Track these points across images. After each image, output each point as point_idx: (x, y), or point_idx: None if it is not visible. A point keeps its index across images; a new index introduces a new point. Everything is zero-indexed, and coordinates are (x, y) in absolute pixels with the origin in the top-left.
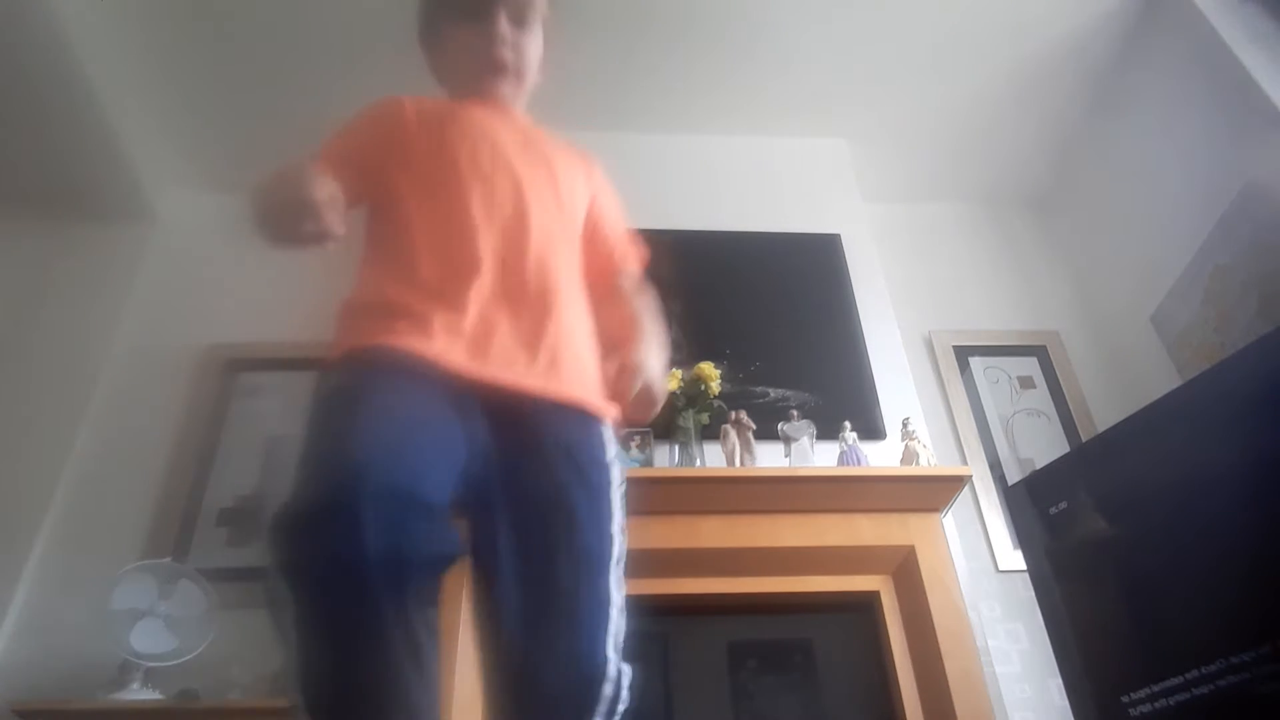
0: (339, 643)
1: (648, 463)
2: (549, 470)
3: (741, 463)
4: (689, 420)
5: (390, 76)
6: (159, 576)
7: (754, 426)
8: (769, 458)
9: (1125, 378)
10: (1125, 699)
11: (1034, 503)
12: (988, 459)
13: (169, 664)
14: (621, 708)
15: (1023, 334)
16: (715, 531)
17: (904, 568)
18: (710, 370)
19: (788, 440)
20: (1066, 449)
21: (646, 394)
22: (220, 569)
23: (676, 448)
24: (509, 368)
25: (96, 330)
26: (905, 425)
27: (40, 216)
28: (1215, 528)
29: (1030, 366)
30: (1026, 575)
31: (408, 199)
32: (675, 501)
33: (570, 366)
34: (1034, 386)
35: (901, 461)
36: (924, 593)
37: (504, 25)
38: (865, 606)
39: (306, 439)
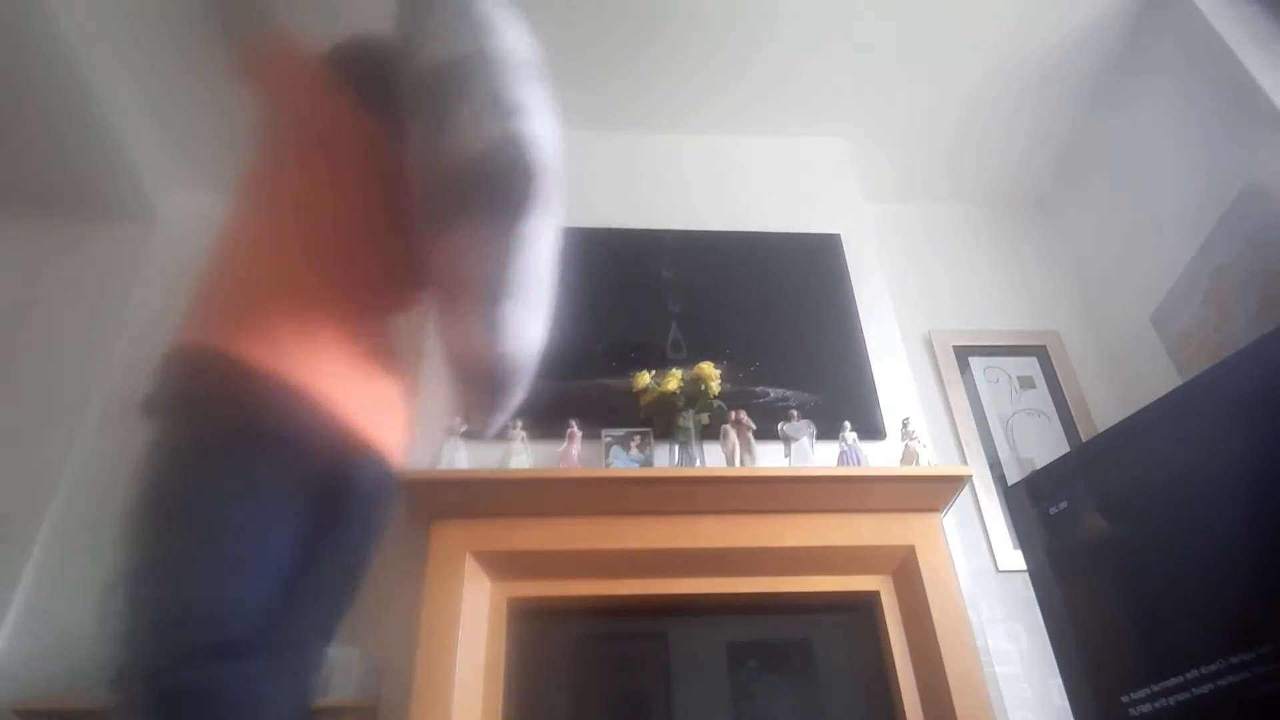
0: None
1: (648, 463)
2: None
3: (741, 463)
4: (689, 420)
5: None
6: None
7: (754, 426)
8: (769, 458)
9: (1125, 378)
10: (1125, 699)
11: (1034, 503)
12: (988, 459)
13: None
14: None
15: (1023, 334)
16: (715, 531)
17: (904, 568)
18: (710, 370)
19: (788, 440)
20: (1066, 449)
21: None
22: None
23: (676, 448)
24: None
25: (97, 330)
26: (905, 425)
27: (41, 216)
28: (1215, 527)
29: (1030, 366)
30: (1026, 575)
31: None
32: (675, 501)
33: None
34: (1034, 386)
35: (901, 461)
36: (924, 593)
37: None
38: (865, 606)
39: None
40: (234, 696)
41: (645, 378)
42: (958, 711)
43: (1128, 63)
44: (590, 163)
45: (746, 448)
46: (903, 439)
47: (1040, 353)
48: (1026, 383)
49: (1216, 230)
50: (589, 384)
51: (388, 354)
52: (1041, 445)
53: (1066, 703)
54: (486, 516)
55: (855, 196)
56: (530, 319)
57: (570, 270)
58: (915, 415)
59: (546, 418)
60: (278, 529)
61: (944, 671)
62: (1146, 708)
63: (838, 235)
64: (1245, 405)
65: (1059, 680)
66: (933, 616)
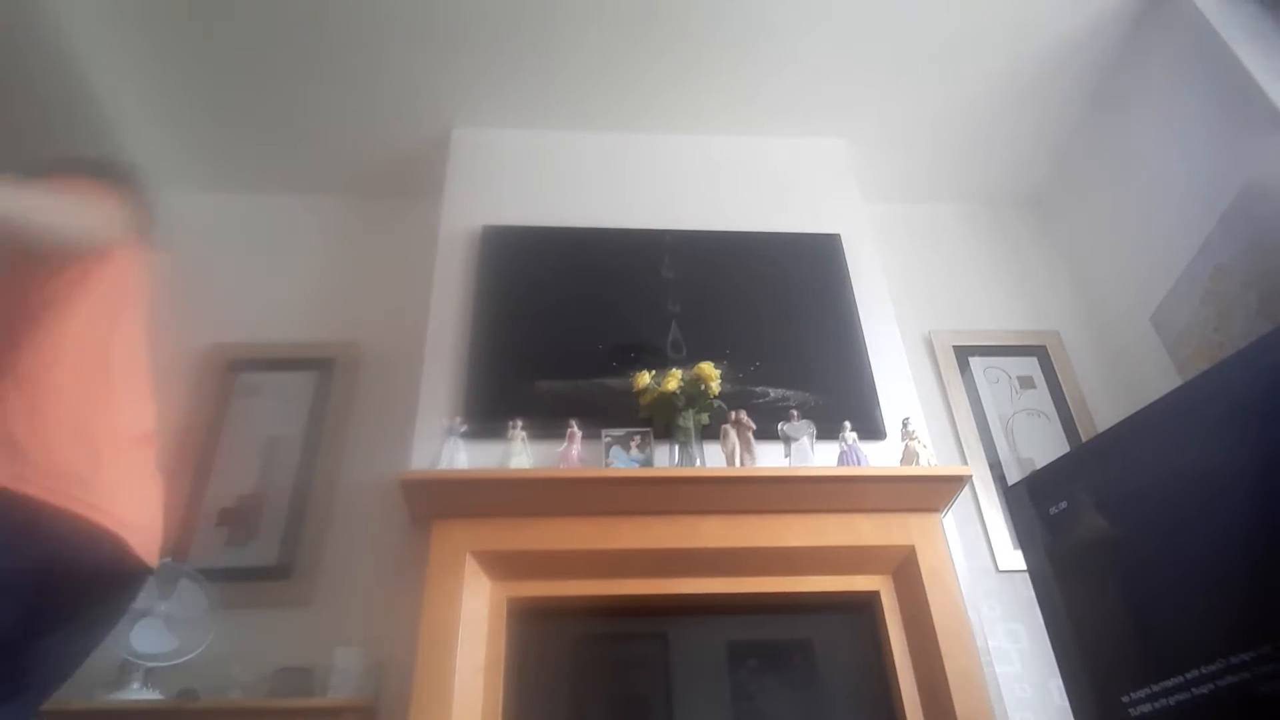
0: None
1: (648, 463)
2: None
3: (741, 463)
4: (689, 420)
5: (388, 78)
6: (159, 576)
7: (754, 426)
8: (769, 458)
9: (1125, 378)
10: (1125, 699)
11: (1034, 503)
12: (988, 459)
13: (169, 664)
14: None
15: (1023, 334)
16: (715, 531)
17: (904, 568)
18: (710, 370)
19: (788, 440)
20: (1066, 449)
21: None
22: (220, 569)
23: (676, 448)
24: None
25: None
26: (905, 425)
27: None
28: (1215, 527)
29: (1030, 366)
30: (1026, 575)
31: None
32: (675, 501)
33: None
34: (1034, 386)
35: (901, 461)
36: (924, 593)
37: None
38: (865, 606)
39: None
40: None
41: (645, 378)
42: (958, 711)
43: (1128, 62)
44: (590, 163)
45: (746, 448)
46: (903, 439)
47: (1040, 353)
48: (1026, 383)
49: (1216, 230)
50: (589, 384)
51: None
52: (1041, 445)
53: (1066, 703)
54: (486, 516)
55: (855, 197)
56: None
57: (571, 270)
58: (915, 415)
59: (546, 418)
60: None
61: (944, 671)
62: (1146, 708)
63: (838, 235)
64: (1245, 405)
65: (1059, 680)
66: (933, 616)
